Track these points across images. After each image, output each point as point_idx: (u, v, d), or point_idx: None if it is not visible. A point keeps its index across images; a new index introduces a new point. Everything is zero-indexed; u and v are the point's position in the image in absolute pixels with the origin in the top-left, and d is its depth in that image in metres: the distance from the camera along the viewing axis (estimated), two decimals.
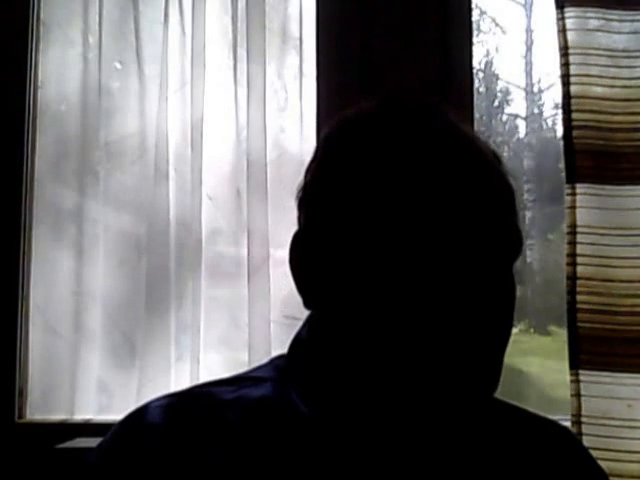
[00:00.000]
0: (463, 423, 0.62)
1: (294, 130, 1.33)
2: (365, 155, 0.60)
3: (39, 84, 1.33)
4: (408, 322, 0.56)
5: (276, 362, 0.70)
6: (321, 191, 0.62)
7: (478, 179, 0.59)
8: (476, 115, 1.34)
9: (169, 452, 0.60)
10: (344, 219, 0.59)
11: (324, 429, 0.61)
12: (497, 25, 1.72)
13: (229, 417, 0.62)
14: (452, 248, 0.56)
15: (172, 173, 1.30)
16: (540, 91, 1.78)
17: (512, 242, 0.61)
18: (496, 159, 0.63)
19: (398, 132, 0.60)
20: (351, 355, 0.60)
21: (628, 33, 1.25)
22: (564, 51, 1.23)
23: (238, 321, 1.27)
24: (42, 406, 1.28)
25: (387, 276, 0.56)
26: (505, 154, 1.83)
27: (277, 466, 0.59)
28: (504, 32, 1.74)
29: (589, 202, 1.21)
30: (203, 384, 0.69)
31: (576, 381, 1.17)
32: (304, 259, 0.63)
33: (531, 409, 0.73)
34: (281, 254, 1.29)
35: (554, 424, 0.72)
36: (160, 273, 1.28)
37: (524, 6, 1.74)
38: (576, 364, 1.18)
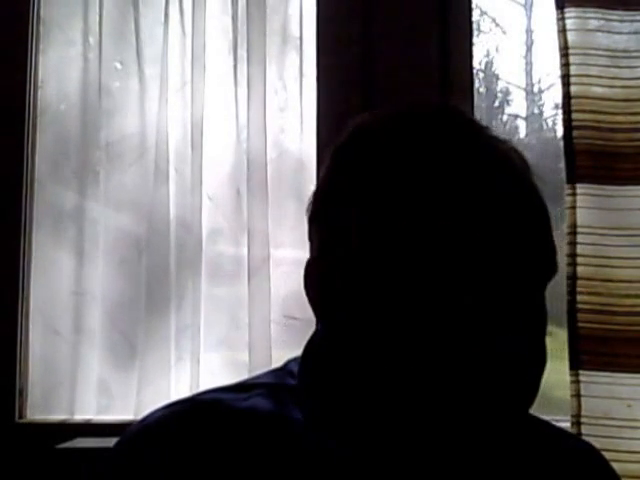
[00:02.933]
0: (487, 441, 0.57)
1: (294, 130, 1.33)
2: (381, 166, 0.56)
3: (39, 84, 1.33)
4: (431, 345, 0.52)
5: (291, 367, 0.65)
6: (335, 205, 0.58)
7: (507, 193, 0.54)
8: (476, 115, 1.34)
9: (181, 464, 0.56)
10: (361, 232, 0.55)
11: (341, 456, 0.56)
12: (497, 25, 1.72)
13: (241, 428, 0.57)
14: (478, 269, 0.52)
15: (172, 173, 1.30)
16: (540, 91, 1.78)
17: (546, 261, 0.56)
18: (526, 167, 0.58)
19: (416, 143, 0.55)
20: (374, 376, 0.55)
21: (628, 33, 1.25)
22: (564, 51, 1.23)
23: (238, 321, 1.27)
24: (42, 406, 1.28)
25: (410, 296, 0.52)
26: None
27: None
28: (504, 32, 1.73)
29: (589, 202, 1.21)
30: (212, 390, 0.64)
31: (576, 381, 1.17)
32: (322, 280, 0.59)
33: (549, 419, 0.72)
34: (281, 254, 1.29)
35: (580, 441, 0.72)
36: (160, 273, 1.28)
37: (524, 6, 1.74)
38: (576, 364, 1.18)
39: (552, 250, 0.57)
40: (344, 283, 0.57)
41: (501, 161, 0.56)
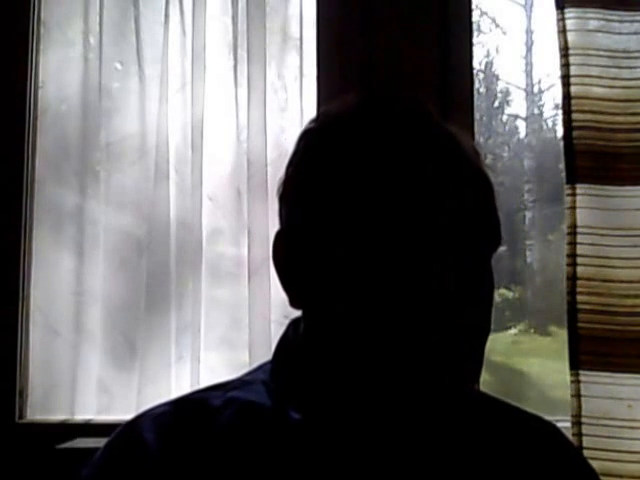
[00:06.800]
0: (448, 417, 0.63)
1: (294, 130, 1.33)
2: (347, 152, 0.61)
3: (39, 84, 1.33)
4: (393, 318, 0.57)
5: (265, 367, 0.70)
6: (303, 186, 0.64)
7: (456, 175, 0.60)
8: (476, 116, 1.34)
9: (164, 463, 0.60)
10: (327, 215, 0.60)
11: (314, 433, 0.61)
12: (497, 26, 1.72)
13: (218, 423, 0.62)
14: (433, 244, 0.57)
15: (172, 173, 1.30)
16: (540, 92, 1.78)
17: (491, 234, 0.62)
18: (475, 154, 0.64)
19: (379, 129, 0.61)
20: (338, 355, 0.60)
21: (628, 34, 1.25)
22: (564, 52, 1.24)
23: (238, 321, 1.27)
24: (42, 406, 1.28)
25: (372, 272, 0.57)
26: (505, 154, 1.83)
27: (266, 472, 0.59)
28: (504, 33, 1.74)
29: (589, 202, 1.21)
30: (194, 391, 0.70)
31: (576, 381, 1.17)
32: (289, 257, 0.64)
33: (529, 409, 0.73)
34: None
35: (543, 422, 0.72)
36: (160, 273, 1.28)
37: (524, 7, 1.74)
38: (576, 365, 1.18)
39: (497, 224, 0.63)
40: (309, 252, 0.61)
41: (452, 150, 0.62)
